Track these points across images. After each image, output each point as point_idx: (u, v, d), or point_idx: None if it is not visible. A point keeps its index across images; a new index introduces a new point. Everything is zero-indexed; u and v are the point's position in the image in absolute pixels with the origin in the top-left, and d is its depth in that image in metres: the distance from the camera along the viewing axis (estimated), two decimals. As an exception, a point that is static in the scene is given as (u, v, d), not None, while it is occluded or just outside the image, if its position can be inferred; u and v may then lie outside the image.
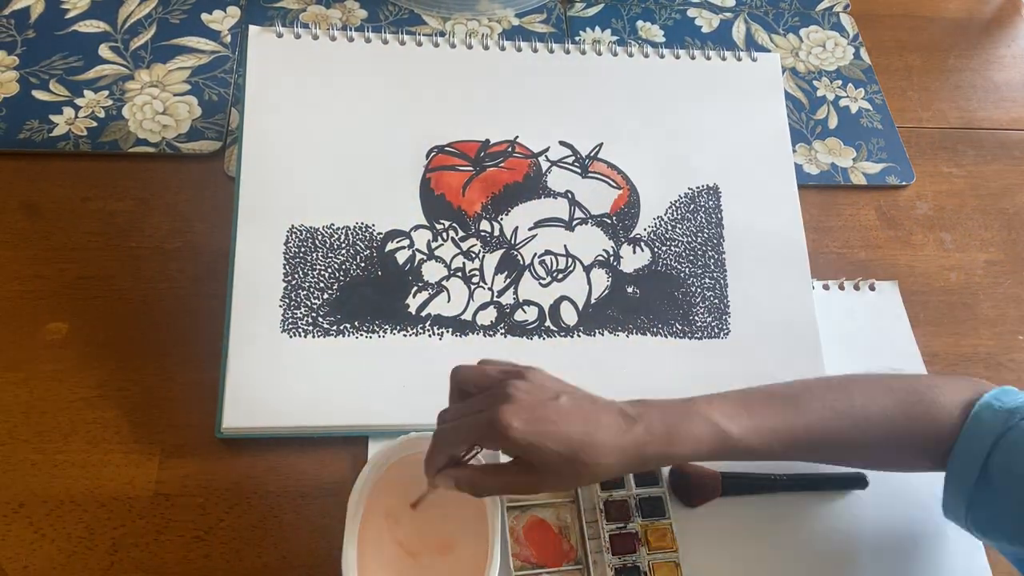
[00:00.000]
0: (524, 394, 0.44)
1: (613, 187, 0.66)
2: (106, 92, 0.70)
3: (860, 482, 0.58)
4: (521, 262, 0.62)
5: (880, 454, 0.52)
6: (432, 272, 0.61)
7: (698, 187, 0.66)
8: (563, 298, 0.62)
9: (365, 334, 0.58)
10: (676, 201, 0.66)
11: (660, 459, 0.48)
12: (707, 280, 0.64)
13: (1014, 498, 0.47)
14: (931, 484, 0.58)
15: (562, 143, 0.66)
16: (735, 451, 0.48)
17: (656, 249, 0.64)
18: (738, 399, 0.49)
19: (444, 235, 0.62)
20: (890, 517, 0.58)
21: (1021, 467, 0.47)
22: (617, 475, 0.48)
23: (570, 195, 0.65)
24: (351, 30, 0.67)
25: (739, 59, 0.71)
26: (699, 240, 0.65)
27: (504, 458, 0.47)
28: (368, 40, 0.66)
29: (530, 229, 0.63)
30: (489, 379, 0.47)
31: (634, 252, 0.64)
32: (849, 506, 0.58)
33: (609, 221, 0.64)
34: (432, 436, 0.47)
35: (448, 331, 0.59)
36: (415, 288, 0.60)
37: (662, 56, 0.71)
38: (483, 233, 0.63)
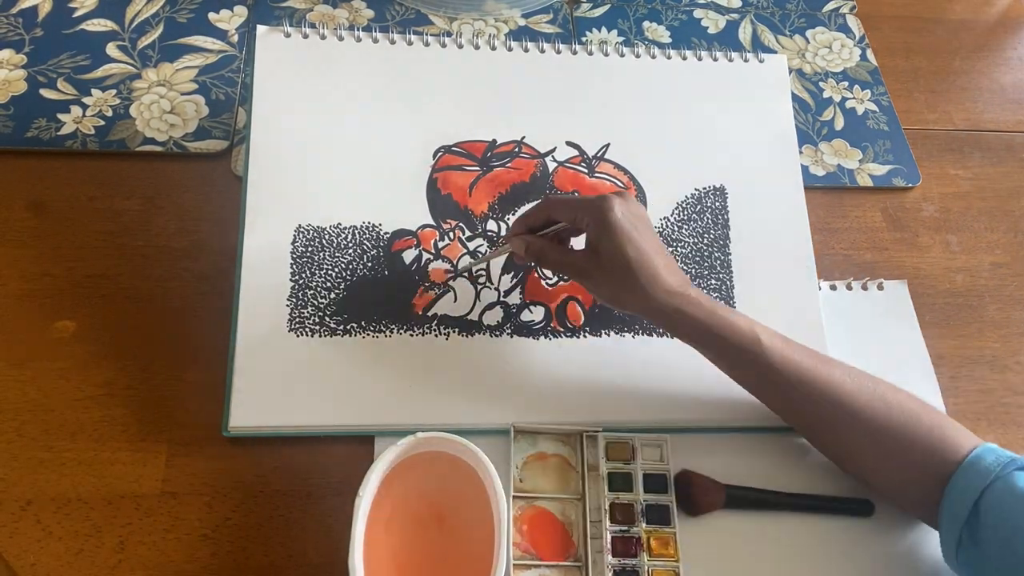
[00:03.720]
0: (632, 201, 0.53)
1: (620, 187, 0.66)
2: (113, 91, 0.70)
3: (865, 510, 0.57)
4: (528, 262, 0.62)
5: (884, 449, 0.52)
6: (439, 272, 0.61)
7: (704, 188, 0.66)
8: (570, 298, 0.62)
9: (372, 334, 0.59)
10: (683, 202, 0.66)
11: (693, 324, 0.52)
12: (713, 281, 0.64)
13: (1001, 542, 0.47)
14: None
15: (569, 143, 0.66)
16: (758, 357, 0.52)
17: (662, 250, 0.64)
18: (779, 333, 0.54)
19: (451, 235, 0.62)
20: (893, 548, 0.57)
21: (1011, 510, 0.47)
22: (649, 316, 0.54)
23: (576, 195, 0.65)
24: (358, 30, 0.67)
25: (746, 60, 0.71)
26: (705, 241, 0.65)
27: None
28: (375, 40, 0.67)
29: (536, 229, 0.63)
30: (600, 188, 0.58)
31: (640, 253, 0.64)
32: (852, 533, 0.57)
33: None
34: (538, 203, 0.56)
35: (454, 331, 0.59)
36: (422, 288, 0.60)
37: (669, 57, 0.71)
38: (490, 233, 0.63)
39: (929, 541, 0.56)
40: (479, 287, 0.61)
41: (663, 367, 0.60)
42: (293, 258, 0.59)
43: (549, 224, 0.55)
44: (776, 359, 0.52)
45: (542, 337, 0.60)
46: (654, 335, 0.61)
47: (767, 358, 0.52)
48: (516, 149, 0.66)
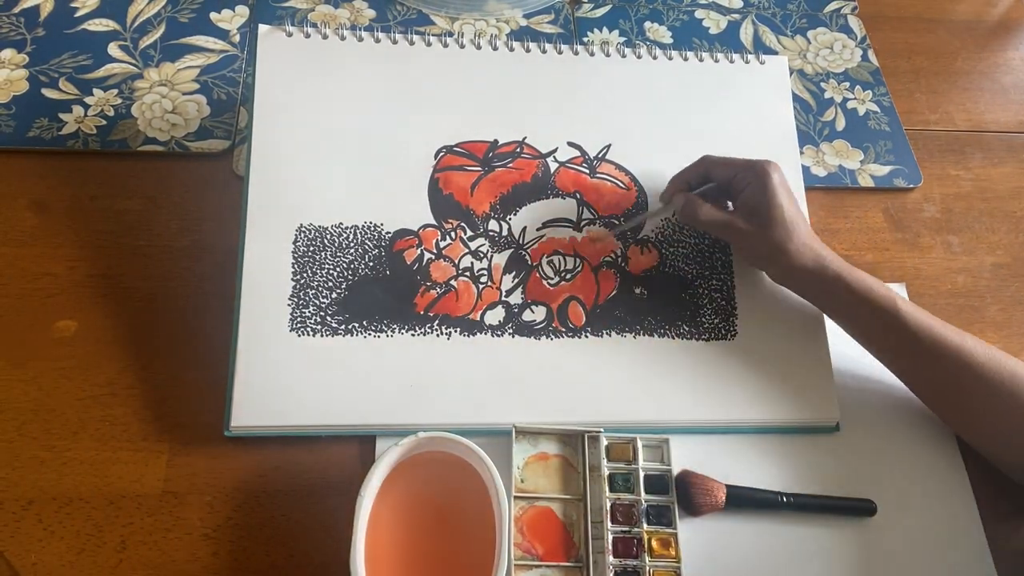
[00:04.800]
0: (782, 171, 0.58)
1: (621, 188, 0.66)
2: (115, 90, 0.70)
3: (868, 510, 0.57)
4: (529, 262, 0.62)
5: (1008, 416, 0.54)
6: (440, 271, 0.61)
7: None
8: (571, 298, 0.62)
9: (373, 333, 0.59)
10: (684, 202, 0.66)
11: (835, 284, 0.56)
12: (714, 282, 0.64)
13: None
14: (939, 519, 0.58)
15: (570, 144, 0.66)
16: (895, 320, 0.55)
17: (664, 250, 0.64)
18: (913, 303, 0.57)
19: (452, 234, 0.62)
20: (895, 549, 0.57)
21: None
22: (794, 275, 0.58)
23: (578, 195, 0.65)
24: (360, 30, 0.67)
25: (747, 61, 0.71)
26: (707, 242, 0.65)
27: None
28: (377, 40, 0.67)
29: (538, 229, 0.63)
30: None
31: (642, 253, 0.64)
32: (854, 534, 0.57)
33: (617, 222, 0.64)
34: (696, 161, 0.61)
35: (456, 331, 0.59)
36: (423, 287, 0.60)
37: (670, 58, 0.71)
38: (491, 233, 0.63)
39: (932, 541, 0.57)
40: (481, 287, 0.61)
41: (664, 367, 0.60)
42: (295, 258, 0.59)
43: (703, 183, 0.60)
44: (912, 323, 0.55)
45: (543, 337, 0.60)
46: (655, 336, 0.61)
47: (903, 320, 0.55)
48: (518, 149, 0.66)
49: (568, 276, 0.62)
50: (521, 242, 0.63)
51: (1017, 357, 0.66)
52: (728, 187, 0.59)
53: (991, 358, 0.54)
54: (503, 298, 0.61)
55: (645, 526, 0.54)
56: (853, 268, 0.57)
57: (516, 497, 0.55)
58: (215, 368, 0.58)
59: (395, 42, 0.67)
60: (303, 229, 0.60)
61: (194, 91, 0.71)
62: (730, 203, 0.61)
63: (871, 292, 0.56)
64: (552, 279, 0.62)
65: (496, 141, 0.66)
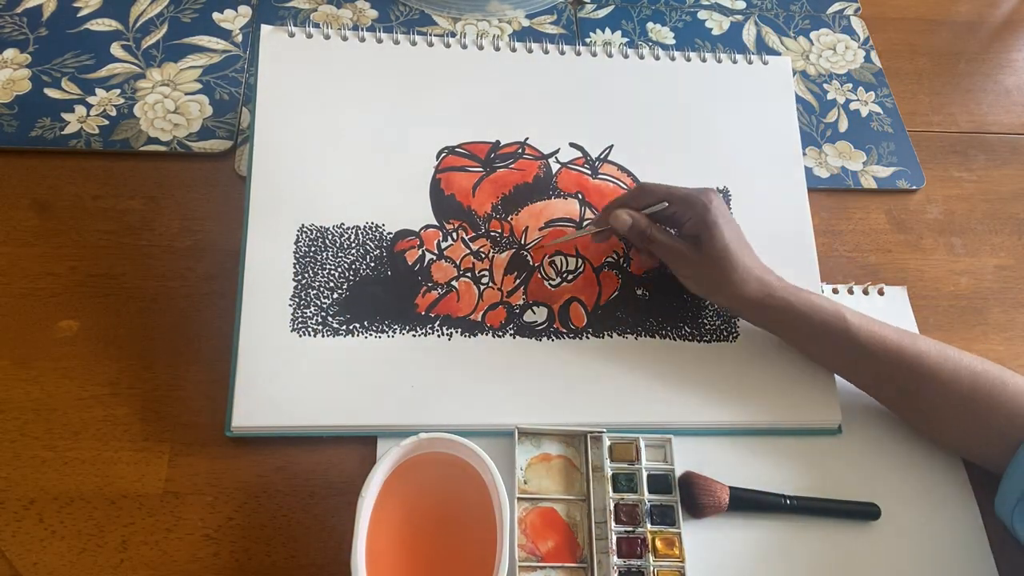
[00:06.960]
0: (720, 198, 0.57)
1: (623, 189, 0.66)
2: (118, 90, 0.70)
3: (871, 513, 0.57)
4: (531, 262, 0.62)
5: (968, 414, 0.54)
6: (442, 272, 0.61)
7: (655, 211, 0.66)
8: (572, 299, 0.62)
9: (374, 334, 0.59)
10: (686, 203, 0.66)
11: (782, 308, 0.56)
12: (717, 283, 0.63)
13: None
14: (941, 521, 0.58)
15: (572, 145, 0.66)
16: (845, 334, 0.55)
17: (666, 251, 0.64)
18: (861, 312, 0.57)
19: (454, 235, 0.62)
20: (899, 552, 0.56)
21: None
22: (739, 303, 0.57)
23: (580, 196, 0.65)
24: (362, 30, 0.67)
25: (750, 62, 0.71)
26: (709, 243, 0.65)
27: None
28: (379, 40, 0.67)
29: (540, 229, 0.63)
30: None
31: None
32: (858, 537, 0.57)
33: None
34: (633, 188, 0.61)
35: (457, 331, 0.59)
36: (424, 288, 0.60)
37: (672, 58, 0.71)
38: (493, 233, 0.63)
39: (935, 544, 0.57)
40: (482, 287, 0.61)
41: (666, 369, 0.60)
42: (296, 258, 0.59)
43: (644, 208, 0.58)
44: (863, 334, 0.55)
45: (544, 338, 0.60)
46: (656, 337, 0.61)
47: (853, 334, 0.55)
48: (519, 150, 0.66)
49: (570, 277, 0.62)
50: (523, 242, 0.63)
51: (1018, 360, 0.67)
52: (669, 218, 0.58)
53: (946, 359, 0.54)
54: (504, 299, 0.61)
55: (649, 526, 0.54)
56: (799, 290, 0.57)
57: (519, 498, 0.55)
58: (217, 368, 0.58)
59: (397, 43, 0.67)
60: (305, 229, 0.60)
61: (196, 91, 0.71)
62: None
63: (818, 312, 0.56)
64: (553, 280, 0.62)
65: (498, 142, 0.65)
